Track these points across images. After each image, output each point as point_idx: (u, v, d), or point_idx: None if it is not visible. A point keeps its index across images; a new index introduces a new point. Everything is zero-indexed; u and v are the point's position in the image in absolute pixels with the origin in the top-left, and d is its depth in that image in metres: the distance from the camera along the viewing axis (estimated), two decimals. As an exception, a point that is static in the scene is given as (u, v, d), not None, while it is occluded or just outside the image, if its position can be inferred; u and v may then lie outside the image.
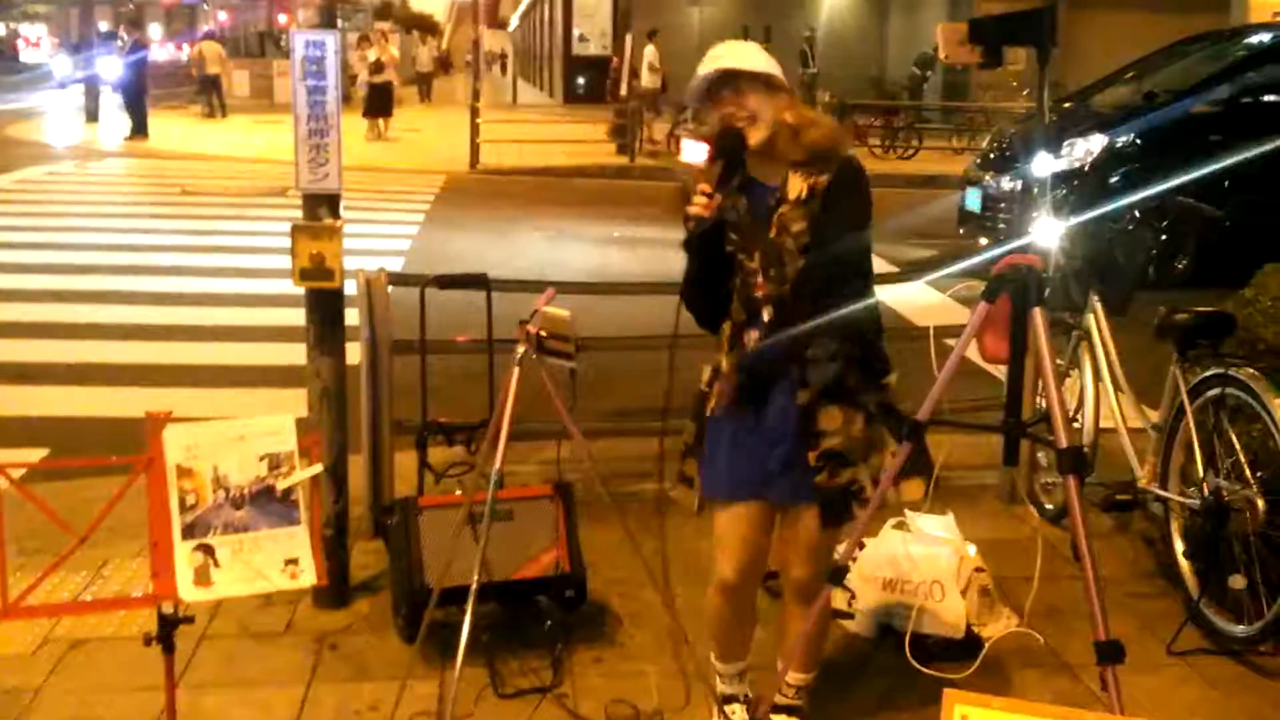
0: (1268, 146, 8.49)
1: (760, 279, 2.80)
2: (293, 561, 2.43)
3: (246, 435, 2.41)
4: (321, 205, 3.73)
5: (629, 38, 20.04)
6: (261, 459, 2.42)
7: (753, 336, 2.83)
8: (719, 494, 2.94)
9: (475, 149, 17.88)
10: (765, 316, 2.81)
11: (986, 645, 3.60)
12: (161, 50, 47.19)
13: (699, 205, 2.71)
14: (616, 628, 3.77)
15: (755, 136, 2.77)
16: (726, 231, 2.83)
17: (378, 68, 21.32)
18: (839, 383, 2.79)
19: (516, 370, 3.01)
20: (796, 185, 2.78)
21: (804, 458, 2.80)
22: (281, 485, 2.40)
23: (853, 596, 3.82)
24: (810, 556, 2.93)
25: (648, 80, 20.88)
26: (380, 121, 21.63)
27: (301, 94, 3.67)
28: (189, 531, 2.38)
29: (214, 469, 2.40)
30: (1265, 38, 10.86)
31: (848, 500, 2.83)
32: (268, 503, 2.42)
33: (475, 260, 10.39)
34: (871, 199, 2.83)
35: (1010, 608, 3.86)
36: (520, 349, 3.01)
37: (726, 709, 3.16)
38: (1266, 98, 9.99)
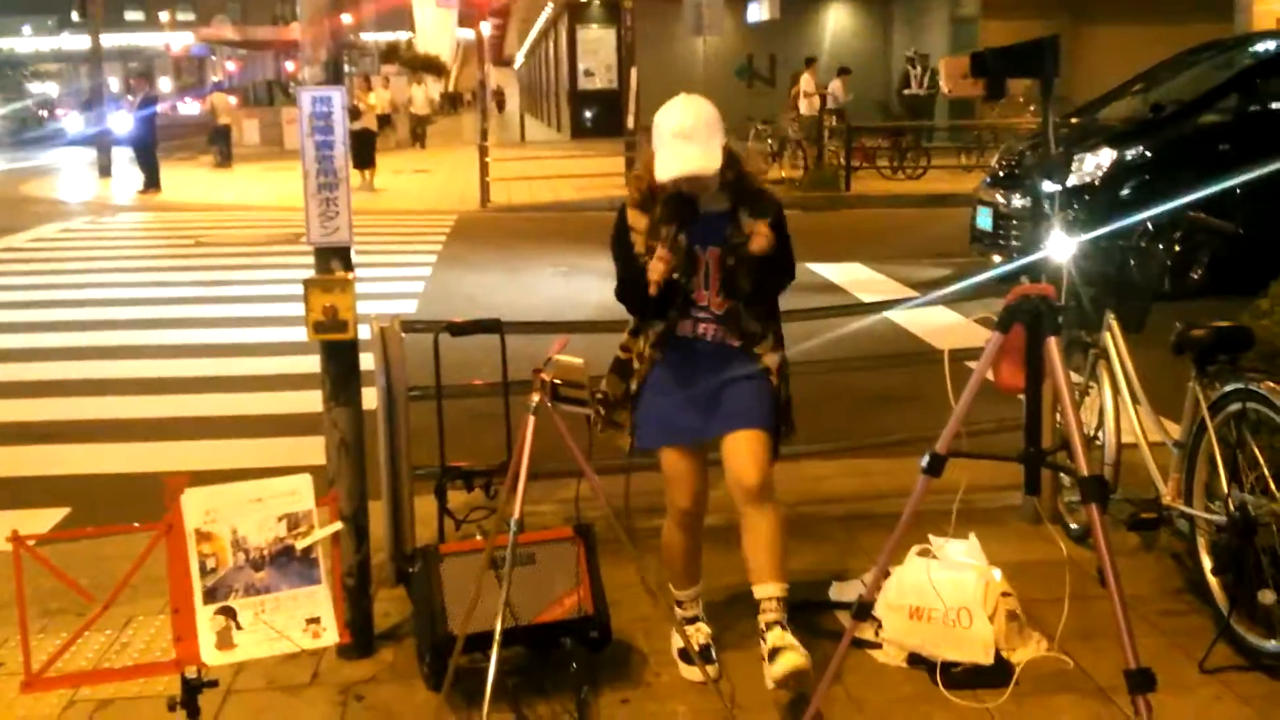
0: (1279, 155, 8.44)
1: (705, 292, 3.47)
2: (314, 620, 2.43)
3: (264, 496, 2.42)
4: (333, 258, 3.74)
5: (634, 71, 20.15)
6: (280, 519, 2.42)
7: (709, 329, 3.50)
8: (667, 442, 3.56)
9: (485, 187, 17.98)
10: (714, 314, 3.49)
11: (1017, 671, 3.57)
12: (189, 106, 47.40)
13: (660, 270, 3.30)
14: (642, 667, 3.75)
15: (703, 198, 3.40)
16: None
17: (354, 114, 19.98)
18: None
19: (532, 420, 3.01)
20: (749, 222, 3.42)
21: (736, 397, 3.50)
22: (301, 545, 2.40)
23: (880, 626, 3.80)
24: (756, 463, 3.47)
25: (805, 108, 21.13)
26: (359, 173, 20.05)
27: (310, 149, 3.70)
28: (210, 595, 2.38)
29: (233, 531, 2.40)
30: (1271, 45, 10.83)
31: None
32: (288, 563, 2.42)
33: (489, 299, 10.44)
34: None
35: (1039, 631, 3.83)
36: (535, 398, 3.01)
37: (689, 629, 3.68)
38: (1275, 105, 9.95)
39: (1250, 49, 11.11)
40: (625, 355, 3.66)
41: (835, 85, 22.76)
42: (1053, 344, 2.57)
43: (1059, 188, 3.93)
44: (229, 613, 2.39)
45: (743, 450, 3.50)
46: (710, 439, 3.58)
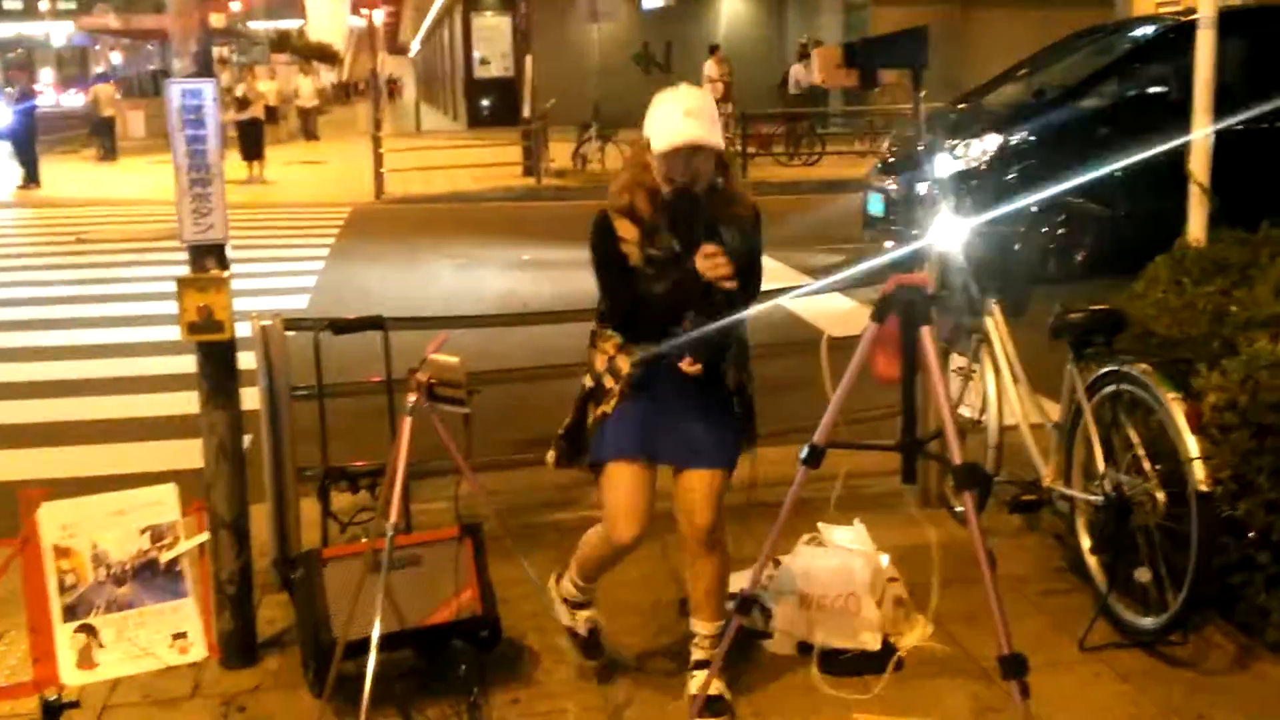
0: (1155, 139, 8.66)
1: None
2: (181, 635, 2.36)
3: (126, 509, 2.34)
4: (208, 256, 3.65)
5: (529, 59, 20.02)
6: (143, 532, 2.34)
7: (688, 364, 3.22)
8: (620, 454, 3.31)
9: (380, 178, 17.71)
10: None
11: (896, 657, 3.62)
12: (75, 97, 45.52)
13: (723, 266, 3.06)
14: (534, 665, 3.72)
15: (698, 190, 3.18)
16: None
17: (243, 104, 19.78)
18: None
19: (409, 420, 2.96)
20: (729, 230, 3.21)
21: (699, 429, 3.33)
22: (165, 558, 2.33)
23: (770, 616, 3.81)
24: (710, 504, 3.36)
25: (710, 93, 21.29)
26: (248, 165, 19.74)
27: (181, 144, 3.61)
28: (70, 613, 2.30)
29: (93, 546, 2.32)
30: (1149, 30, 11.10)
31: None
32: (152, 577, 2.34)
33: (382, 294, 10.28)
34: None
35: (925, 615, 3.88)
36: (411, 398, 2.97)
37: (579, 613, 3.67)
38: (1152, 90, 10.19)
39: (1130, 34, 11.38)
40: (593, 383, 3.40)
41: (797, 69, 23.05)
42: (926, 334, 2.59)
43: (946, 172, 3.98)
44: (90, 631, 2.31)
45: (699, 490, 3.37)
46: (666, 464, 3.41)
